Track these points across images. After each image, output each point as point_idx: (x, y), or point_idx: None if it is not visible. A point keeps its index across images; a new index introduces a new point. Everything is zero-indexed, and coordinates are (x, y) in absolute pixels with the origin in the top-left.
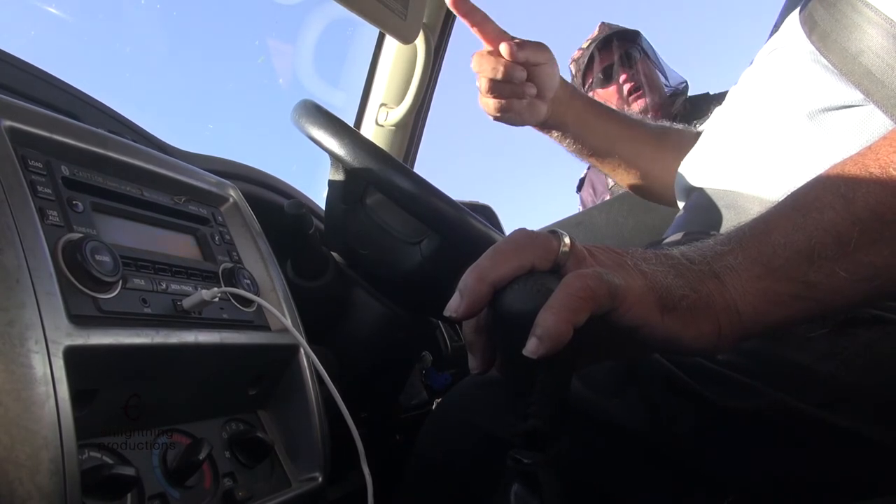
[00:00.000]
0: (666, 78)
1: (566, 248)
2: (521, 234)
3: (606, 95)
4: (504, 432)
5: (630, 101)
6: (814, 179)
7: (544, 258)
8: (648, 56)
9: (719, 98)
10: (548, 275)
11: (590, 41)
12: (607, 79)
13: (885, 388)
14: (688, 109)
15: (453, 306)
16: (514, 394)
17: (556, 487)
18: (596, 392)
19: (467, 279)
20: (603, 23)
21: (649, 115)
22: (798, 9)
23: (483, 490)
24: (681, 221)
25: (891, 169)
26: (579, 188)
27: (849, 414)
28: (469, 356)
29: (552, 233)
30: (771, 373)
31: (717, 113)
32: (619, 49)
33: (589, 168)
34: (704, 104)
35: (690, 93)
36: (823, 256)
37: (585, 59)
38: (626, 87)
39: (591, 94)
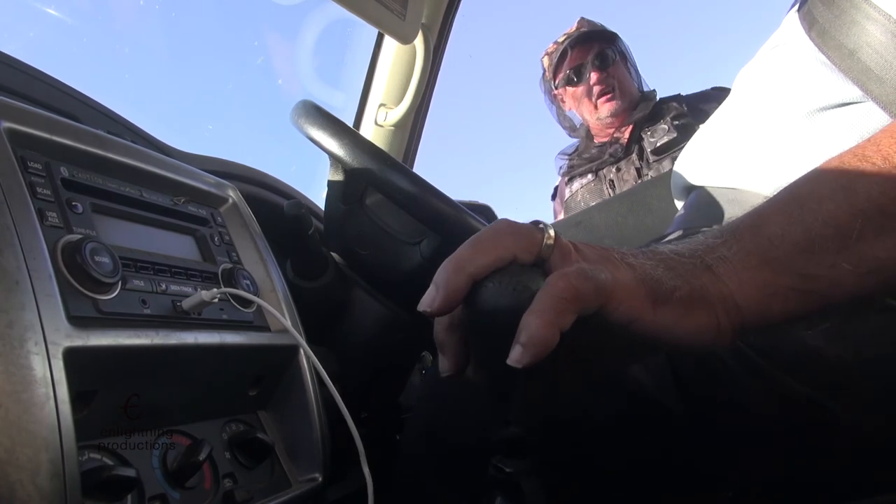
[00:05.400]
0: (640, 85)
1: (550, 241)
2: (504, 224)
3: (575, 94)
4: (481, 441)
5: (599, 104)
6: (810, 173)
7: (527, 250)
8: (626, 58)
9: (679, 100)
10: (529, 269)
11: (565, 36)
12: (578, 77)
13: (892, 375)
14: (647, 113)
15: (427, 301)
16: (491, 397)
17: (540, 496)
18: (588, 389)
19: (444, 270)
20: (582, 18)
21: (613, 120)
22: (797, 6)
23: (464, 501)
24: (680, 220)
25: (895, 159)
26: (553, 197)
27: (853, 404)
28: (440, 357)
29: (536, 225)
30: (777, 355)
31: (717, 111)
32: (594, 49)
33: (560, 175)
34: (665, 108)
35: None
36: (824, 249)
37: (557, 56)
38: (597, 89)
39: (560, 91)
